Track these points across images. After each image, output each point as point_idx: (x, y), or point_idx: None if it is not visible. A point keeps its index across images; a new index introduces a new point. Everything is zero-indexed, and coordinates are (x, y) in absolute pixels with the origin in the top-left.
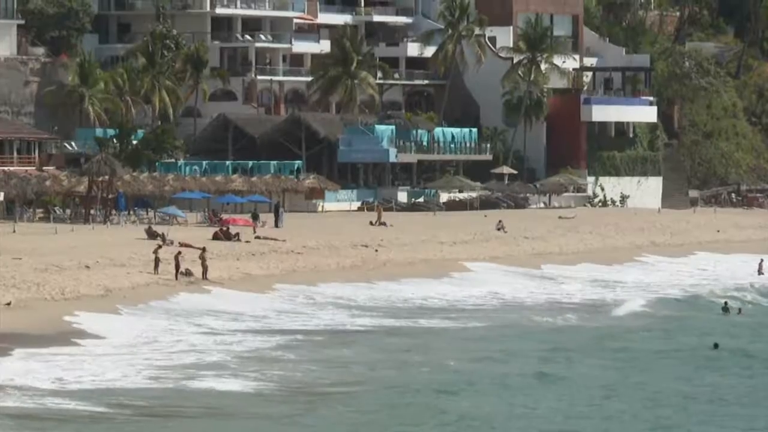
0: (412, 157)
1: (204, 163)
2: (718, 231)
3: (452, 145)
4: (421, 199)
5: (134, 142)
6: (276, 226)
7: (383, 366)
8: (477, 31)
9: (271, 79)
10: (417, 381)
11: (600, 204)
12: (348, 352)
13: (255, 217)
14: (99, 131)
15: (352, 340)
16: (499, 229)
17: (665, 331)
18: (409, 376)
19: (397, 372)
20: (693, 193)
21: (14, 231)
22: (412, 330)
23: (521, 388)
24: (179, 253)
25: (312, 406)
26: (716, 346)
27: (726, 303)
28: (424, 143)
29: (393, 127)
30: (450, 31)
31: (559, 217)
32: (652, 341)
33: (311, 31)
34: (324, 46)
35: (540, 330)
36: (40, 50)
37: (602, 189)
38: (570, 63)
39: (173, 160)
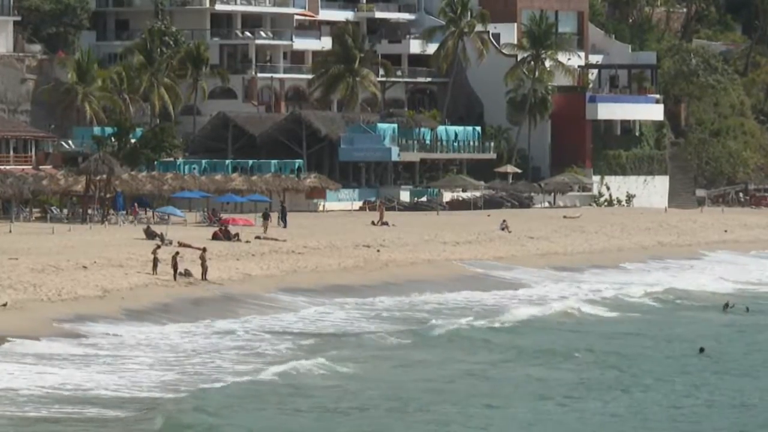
0: (414, 156)
1: (203, 162)
2: (726, 231)
3: (455, 144)
4: (423, 199)
5: (133, 140)
6: (282, 225)
7: None
8: (479, 27)
9: (271, 77)
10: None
11: (605, 203)
12: None
13: (266, 217)
14: (97, 130)
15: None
16: (503, 229)
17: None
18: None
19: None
20: (700, 193)
21: (10, 231)
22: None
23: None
24: (177, 253)
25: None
26: (702, 350)
27: (727, 303)
28: (427, 142)
29: (395, 125)
30: (451, 27)
31: (564, 217)
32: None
33: (312, 28)
34: (325, 43)
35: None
36: (37, 47)
37: (608, 188)
38: (575, 60)
39: (172, 159)
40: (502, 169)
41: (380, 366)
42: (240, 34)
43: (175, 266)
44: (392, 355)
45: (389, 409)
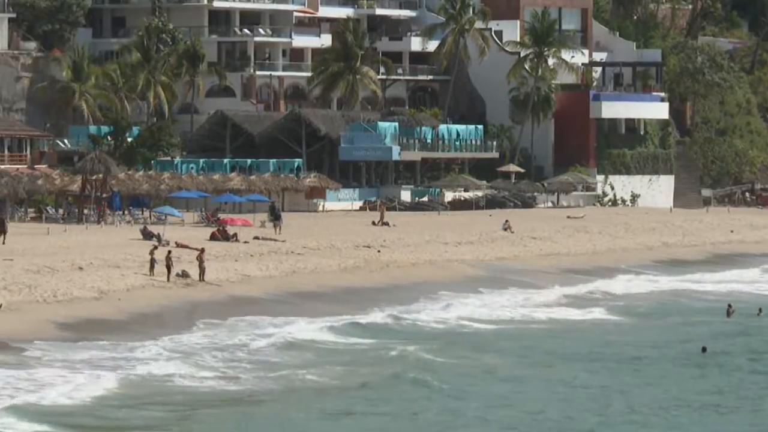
0: (415, 155)
1: (201, 161)
2: (732, 231)
3: (457, 143)
4: (424, 199)
5: (129, 139)
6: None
7: None
8: (480, 24)
9: (270, 75)
10: None
11: (610, 203)
12: None
13: (277, 217)
14: (93, 128)
15: None
16: (505, 230)
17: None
18: None
19: None
20: (706, 192)
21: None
22: None
23: None
24: (169, 253)
25: None
26: (704, 350)
27: (730, 305)
28: (428, 140)
29: (396, 123)
30: (452, 24)
31: (568, 217)
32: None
33: (312, 25)
34: (325, 40)
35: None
36: (32, 44)
37: (612, 188)
38: (579, 58)
39: (169, 158)
40: (504, 169)
41: None
42: (238, 32)
43: (168, 266)
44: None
45: None
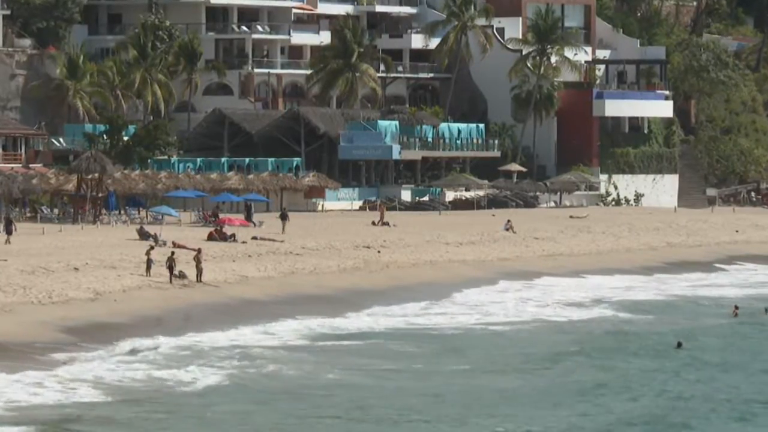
0: (416, 154)
1: (198, 160)
2: (737, 231)
3: (458, 142)
4: (425, 198)
5: (125, 138)
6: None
7: None
8: (482, 21)
9: (268, 72)
10: None
11: (613, 203)
12: None
13: (283, 217)
14: (88, 127)
15: None
16: (507, 230)
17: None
18: None
19: None
20: (710, 192)
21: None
22: None
23: None
24: (172, 254)
25: None
26: (680, 345)
27: (736, 306)
28: (429, 139)
29: (396, 122)
30: (453, 21)
31: (571, 217)
32: None
33: (311, 22)
34: (324, 37)
35: None
36: (27, 42)
37: (615, 187)
38: (582, 55)
39: (166, 157)
40: (506, 168)
41: None
42: (236, 29)
43: (171, 267)
44: None
45: None
